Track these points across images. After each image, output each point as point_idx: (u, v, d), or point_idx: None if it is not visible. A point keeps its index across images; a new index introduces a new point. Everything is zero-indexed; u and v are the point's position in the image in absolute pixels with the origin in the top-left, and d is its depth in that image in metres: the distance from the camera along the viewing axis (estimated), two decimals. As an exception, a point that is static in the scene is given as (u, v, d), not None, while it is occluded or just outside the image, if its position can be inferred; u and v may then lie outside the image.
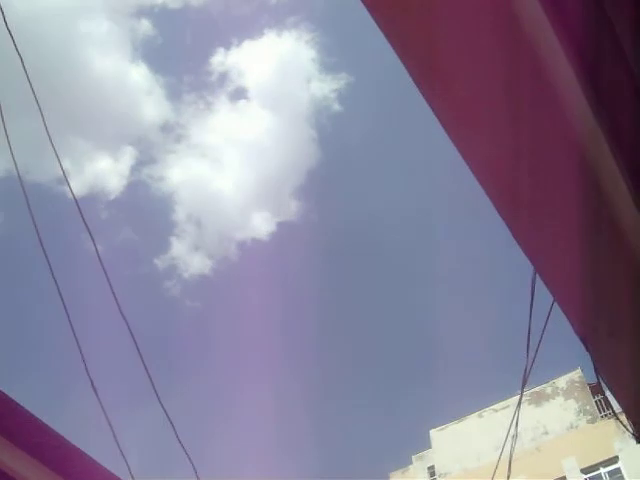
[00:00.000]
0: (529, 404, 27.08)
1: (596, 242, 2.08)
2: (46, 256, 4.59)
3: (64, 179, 5.00)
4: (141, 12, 64.96)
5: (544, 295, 2.80)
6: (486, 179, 1.98)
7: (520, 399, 7.68)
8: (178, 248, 55.34)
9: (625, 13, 1.65)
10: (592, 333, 2.48)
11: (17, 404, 4.29)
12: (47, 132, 4.66)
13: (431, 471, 30.78)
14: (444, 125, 1.85)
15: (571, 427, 27.22)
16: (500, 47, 1.65)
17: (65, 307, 4.71)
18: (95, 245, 4.93)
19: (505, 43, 1.64)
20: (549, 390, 28.68)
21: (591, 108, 1.71)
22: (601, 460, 25.45)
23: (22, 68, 4.70)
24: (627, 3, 1.65)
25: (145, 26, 56.78)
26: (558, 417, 27.63)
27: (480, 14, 1.62)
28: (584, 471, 25.65)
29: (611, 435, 25.12)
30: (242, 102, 56.48)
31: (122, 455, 5.00)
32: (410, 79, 1.78)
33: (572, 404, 27.91)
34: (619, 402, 3.03)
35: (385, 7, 1.65)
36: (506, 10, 1.57)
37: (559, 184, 1.96)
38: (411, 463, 32.20)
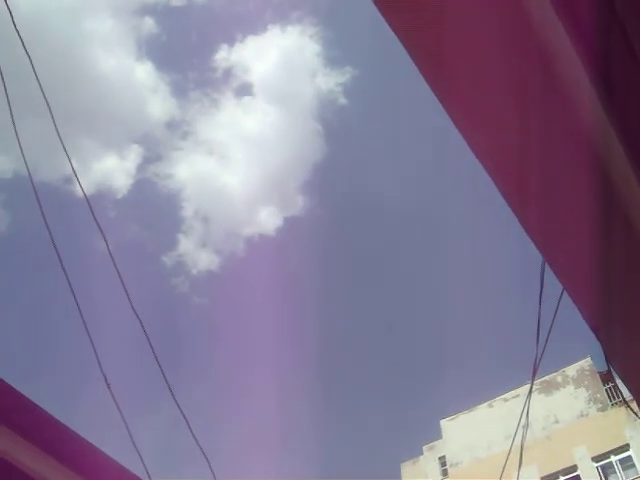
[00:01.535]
0: (539, 393, 27.07)
1: (606, 231, 2.08)
2: (58, 255, 4.63)
3: (71, 178, 5.03)
4: (145, 10, 64.88)
5: (554, 284, 2.81)
6: (495, 171, 1.99)
7: (531, 388, 7.70)
8: (186, 245, 55.64)
9: (636, 11, 1.65)
10: (603, 322, 2.48)
11: (32, 402, 4.33)
12: (57, 131, 4.68)
13: (442, 461, 30.85)
14: (453, 119, 1.86)
15: (582, 415, 27.20)
16: (509, 42, 1.66)
17: (77, 304, 4.75)
18: (107, 243, 4.96)
19: (514, 38, 1.65)
20: (559, 379, 28.65)
21: (601, 102, 1.72)
22: (612, 448, 25.43)
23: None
24: (638, 2, 1.65)
25: (149, 24, 56.86)
26: (568, 406, 27.61)
27: (490, 8, 1.63)
28: (595, 459, 25.65)
29: (622, 423, 25.10)
30: (247, 98, 56.55)
31: (137, 452, 5.05)
32: (417, 73, 1.78)
33: (582, 392, 27.88)
34: (630, 390, 3.04)
35: (393, 1, 1.65)
36: (516, 5, 1.57)
37: (569, 174, 1.96)
38: (422, 453, 32.29)
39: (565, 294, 2.71)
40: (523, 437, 8.84)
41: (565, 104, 1.75)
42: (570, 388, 28.27)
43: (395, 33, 1.68)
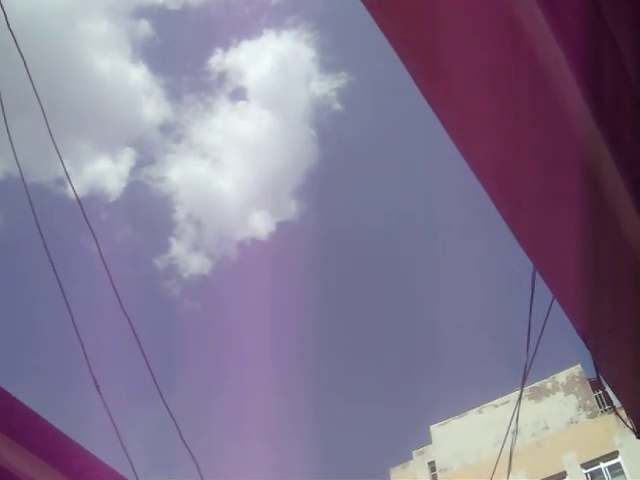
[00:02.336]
0: (529, 399, 27.10)
1: (596, 242, 2.10)
2: (49, 256, 4.61)
3: (63, 180, 5.04)
4: (140, 12, 64.44)
5: (545, 291, 2.82)
6: (487, 179, 2.00)
7: (520, 394, 7.70)
8: (178, 248, 55.37)
9: (623, 21, 1.67)
10: (592, 330, 2.50)
11: (21, 403, 4.31)
12: (50, 133, 4.67)
13: (431, 466, 30.81)
14: (445, 125, 1.87)
15: (571, 422, 27.26)
16: (501, 49, 1.67)
17: (68, 306, 4.73)
18: (98, 245, 4.95)
19: (505, 46, 1.66)
20: (549, 385, 28.71)
21: (591, 113, 1.73)
22: (601, 455, 25.48)
23: (20, 69, 4.71)
24: (626, 12, 1.67)
25: (144, 26, 56.52)
26: (558, 412, 27.66)
27: (481, 15, 1.64)
28: (584, 466, 25.69)
29: (611, 430, 25.15)
30: (241, 102, 56.49)
31: (125, 453, 5.02)
32: (410, 78, 1.79)
33: (572, 399, 27.94)
34: (619, 397, 3.06)
35: (385, 6, 1.66)
36: (506, 13, 1.59)
37: (559, 184, 1.98)
38: (411, 458, 32.23)
39: (556, 302, 2.73)
40: (513, 443, 8.85)
41: (556, 114, 1.77)
42: (560, 395, 28.32)
43: (388, 38, 1.69)
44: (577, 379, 28.48)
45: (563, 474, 25.87)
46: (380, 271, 53.17)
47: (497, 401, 29.03)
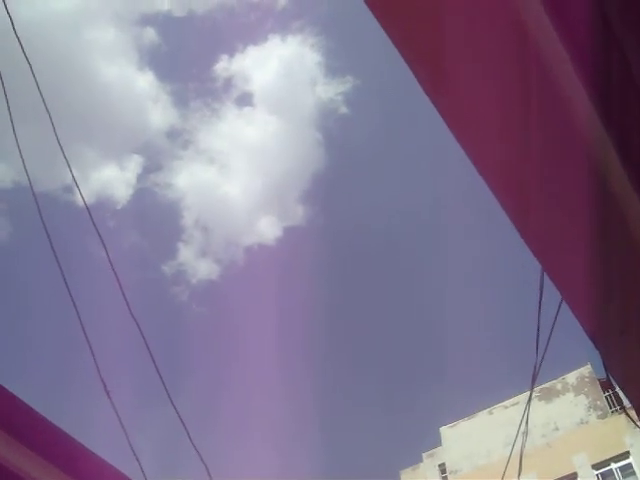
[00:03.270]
0: (539, 400, 27.01)
1: (604, 242, 2.09)
2: (58, 263, 4.64)
3: (71, 187, 5.08)
4: (146, 20, 64.55)
5: (553, 291, 2.82)
6: (494, 181, 2.00)
7: (530, 395, 7.69)
8: (185, 254, 55.68)
9: (630, 26, 1.67)
10: (601, 331, 2.49)
11: (29, 407, 4.32)
12: (58, 140, 4.70)
13: (442, 468, 30.75)
14: (451, 127, 1.87)
15: (581, 423, 27.13)
16: (506, 51, 1.68)
17: (77, 311, 4.76)
18: (107, 251, 4.97)
19: (512, 50, 1.67)
20: (559, 386, 28.59)
21: (598, 115, 1.73)
22: (612, 455, 25.35)
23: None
24: (632, 17, 1.67)
25: (150, 34, 56.71)
26: (568, 413, 27.54)
27: (486, 16, 1.64)
28: (595, 467, 25.57)
29: (622, 430, 25.02)
30: (248, 107, 56.76)
31: (135, 456, 5.04)
32: (416, 82, 1.80)
33: (582, 400, 27.82)
34: (629, 398, 3.05)
35: (391, 10, 1.67)
36: (512, 14, 1.59)
37: (567, 185, 1.98)
38: (422, 460, 32.18)
39: (564, 302, 2.72)
40: (523, 444, 8.83)
41: (563, 117, 1.77)
42: (570, 395, 28.20)
43: (394, 43, 1.70)
44: (587, 379, 28.36)
45: (574, 475, 25.74)
46: (387, 274, 53.16)
47: (507, 402, 28.94)
